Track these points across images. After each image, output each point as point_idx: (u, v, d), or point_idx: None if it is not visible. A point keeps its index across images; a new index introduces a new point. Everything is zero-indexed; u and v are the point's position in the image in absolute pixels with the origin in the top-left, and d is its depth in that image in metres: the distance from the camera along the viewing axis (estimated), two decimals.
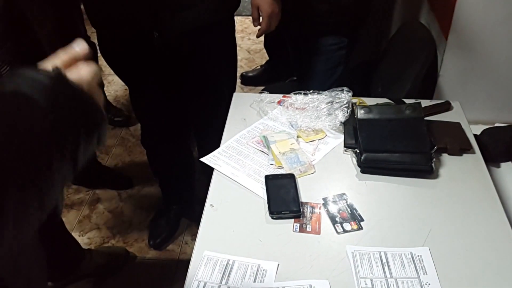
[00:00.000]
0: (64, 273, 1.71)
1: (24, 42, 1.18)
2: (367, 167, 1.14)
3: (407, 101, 1.35)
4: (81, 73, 0.52)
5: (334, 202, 1.07)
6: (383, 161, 1.13)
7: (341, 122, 1.26)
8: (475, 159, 1.19)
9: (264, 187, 1.09)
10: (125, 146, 2.54)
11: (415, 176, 1.13)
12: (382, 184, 1.11)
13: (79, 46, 0.54)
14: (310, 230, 1.00)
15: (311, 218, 1.03)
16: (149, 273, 1.89)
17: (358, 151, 1.16)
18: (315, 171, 1.15)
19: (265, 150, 1.20)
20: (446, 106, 1.37)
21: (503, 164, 1.42)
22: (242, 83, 2.86)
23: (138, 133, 2.58)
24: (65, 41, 0.56)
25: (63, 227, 1.66)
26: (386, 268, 0.92)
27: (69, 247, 1.71)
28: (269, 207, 1.03)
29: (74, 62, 0.53)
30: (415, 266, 0.92)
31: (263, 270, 0.91)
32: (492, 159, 1.40)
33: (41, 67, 0.50)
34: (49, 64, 0.51)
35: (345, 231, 1.00)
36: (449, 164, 1.17)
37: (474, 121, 1.52)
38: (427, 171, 1.13)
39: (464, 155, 1.20)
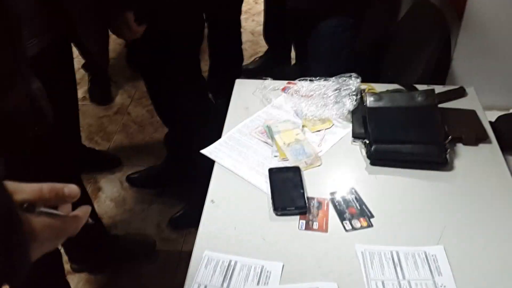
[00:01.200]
0: (86, 256, 1.70)
1: (54, 18, 1.14)
2: (377, 159, 1.08)
3: (419, 87, 1.28)
4: (79, 215, 0.56)
5: (342, 197, 1.01)
6: (394, 153, 1.07)
7: (349, 110, 1.19)
8: (491, 149, 1.13)
9: (268, 181, 1.03)
10: (127, 133, 2.49)
11: (429, 168, 1.07)
12: (393, 178, 1.05)
13: (69, 190, 0.54)
14: (316, 227, 0.95)
15: (317, 215, 0.97)
16: (152, 263, 1.85)
17: (367, 141, 1.10)
18: (321, 164, 1.09)
19: (269, 141, 1.14)
20: (460, 92, 1.30)
21: None
22: (243, 76, 2.75)
23: (140, 119, 2.54)
24: (96, 20, 0.52)
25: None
26: (398, 268, 0.87)
27: (92, 230, 1.68)
28: (273, 203, 0.98)
29: (56, 199, 0.53)
30: (429, 267, 0.87)
31: (267, 271, 0.86)
32: (508, 148, 1.33)
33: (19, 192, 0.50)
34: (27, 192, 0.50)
35: (354, 228, 0.94)
36: (465, 155, 1.11)
37: (489, 107, 1.44)
38: (441, 163, 1.06)
39: (480, 145, 1.14)
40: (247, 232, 0.94)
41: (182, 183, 2.06)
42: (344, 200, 1.00)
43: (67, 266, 1.73)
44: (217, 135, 1.17)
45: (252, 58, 2.80)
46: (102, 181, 2.22)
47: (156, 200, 2.08)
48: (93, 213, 1.67)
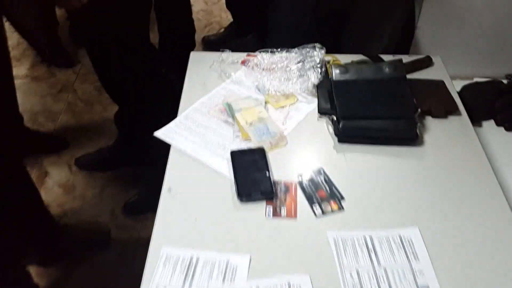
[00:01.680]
0: (34, 248, 1.57)
1: None
2: (345, 136, 1.01)
3: (385, 57, 1.21)
4: None
5: (311, 179, 0.93)
6: (363, 129, 1.00)
7: (314, 84, 1.11)
8: (461, 121, 1.08)
9: (230, 165, 0.94)
10: (73, 112, 2.31)
11: (399, 144, 1.01)
12: (362, 155, 0.99)
13: None
14: (285, 214, 0.87)
15: (285, 200, 0.89)
16: (108, 253, 1.74)
17: (334, 118, 1.02)
18: (287, 143, 1.01)
19: (230, 120, 1.04)
20: (427, 62, 1.24)
21: (485, 123, 1.32)
22: (204, 48, 2.60)
23: (87, 97, 2.36)
24: None
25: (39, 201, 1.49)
26: (372, 255, 0.81)
27: (43, 222, 1.54)
28: (237, 189, 0.89)
29: None
30: (405, 251, 0.82)
31: (233, 266, 0.78)
32: (474, 119, 1.30)
33: None
34: None
35: (324, 213, 0.87)
36: (434, 128, 1.06)
37: (452, 77, 1.40)
38: (412, 138, 1.01)
39: (450, 117, 1.09)
40: (210, 223, 0.85)
41: (135, 165, 1.94)
42: (313, 182, 0.93)
43: None
44: (173, 114, 1.06)
45: (206, 29, 2.65)
46: (48, 165, 2.05)
47: (109, 185, 1.95)
48: (39, 202, 1.53)
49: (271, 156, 0.97)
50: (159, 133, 1.01)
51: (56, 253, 1.66)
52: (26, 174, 1.43)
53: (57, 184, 1.98)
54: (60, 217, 1.86)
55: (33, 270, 1.64)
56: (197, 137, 1.00)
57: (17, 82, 2.43)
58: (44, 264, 1.66)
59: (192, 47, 2.15)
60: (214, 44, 2.50)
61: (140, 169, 1.93)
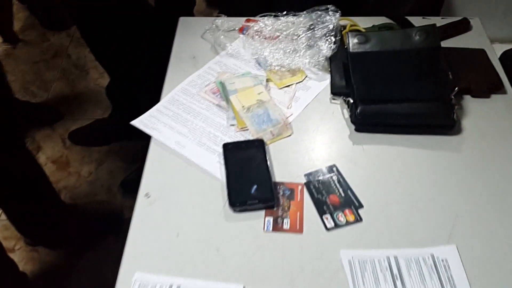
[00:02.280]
0: (47, 229, 1.47)
1: None
2: (364, 123, 0.82)
3: (414, 20, 1.00)
4: None
5: (321, 179, 0.76)
6: (387, 115, 0.81)
7: (326, 57, 0.91)
8: (508, 101, 0.88)
9: (223, 163, 0.77)
10: (67, 80, 2.14)
11: (432, 133, 0.82)
12: (386, 149, 0.80)
13: None
14: (288, 227, 0.70)
15: (289, 208, 0.72)
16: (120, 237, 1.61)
17: (351, 100, 0.83)
18: (292, 133, 0.83)
19: (223, 103, 0.86)
20: (463, 26, 1.02)
21: None
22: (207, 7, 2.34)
23: (82, 62, 2.19)
24: None
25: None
26: (398, 282, 0.64)
27: (50, 201, 1.43)
28: (229, 196, 0.72)
29: None
30: (439, 277, 0.65)
31: None
32: None
33: None
34: None
35: (337, 225, 0.70)
36: (475, 111, 0.86)
37: (492, 40, 1.18)
38: (448, 125, 0.81)
39: (493, 96, 0.89)
40: (195, 239, 0.69)
41: (132, 139, 1.78)
42: (323, 184, 0.75)
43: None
44: None
45: None
46: (40, 139, 1.91)
47: (105, 160, 1.81)
48: (44, 179, 1.40)
49: (272, 150, 0.80)
50: (137, 122, 0.84)
51: (65, 234, 1.54)
52: (24, 147, 1.32)
53: (50, 160, 1.84)
54: None
55: (32, 254, 1.54)
56: (184, 127, 0.83)
57: (6, 47, 2.27)
58: (52, 245, 1.55)
59: (191, 7, 1.91)
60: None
61: (138, 144, 1.77)
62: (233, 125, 0.83)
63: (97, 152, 1.84)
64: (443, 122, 0.81)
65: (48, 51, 2.25)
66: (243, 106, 0.84)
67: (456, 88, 0.82)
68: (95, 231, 1.57)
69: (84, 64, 2.17)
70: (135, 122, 0.84)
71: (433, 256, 0.67)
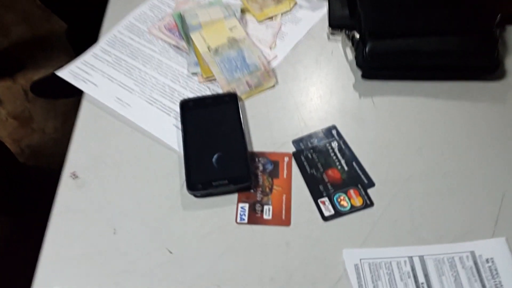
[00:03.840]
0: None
1: None
2: (375, 67, 0.60)
3: None
4: None
5: (315, 148, 0.55)
6: (405, 54, 0.59)
7: None
8: None
9: (180, 129, 0.56)
10: (30, 23, 1.88)
11: (466, 78, 0.60)
12: (404, 101, 0.59)
13: None
14: (269, 217, 0.50)
15: (271, 190, 0.52)
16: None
17: (357, 35, 0.61)
18: (276, 83, 0.61)
19: (182, 44, 0.64)
20: None
21: None
22: None
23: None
24: None
25: None
26: None
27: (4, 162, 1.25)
28: (187, 176, 0.52)
29: None
30: (483, 284, 0.46)
31: None
32: None
33: None
34: None
35: (338, 213, 0.50)
36: None
37: None
38: (488, 67, 0.59)
39: None
40: (139, 237, 0.49)
41: None
42: (319, 154, 0.54)
43: None
44: None
45: None
46: (0, 92, 1.70)
47: (73, 114, 1.58)
48: None
49: (249, 107, 0.58)
50: (64, 73, 0.62)
51: (25, 200, 1.37)
52: None
53: (11, 116, 1.63)
54: (17, 155, 1.53)
55: None
56: (128, 78, 0.61)
57: None
58: (11, 214, 1.38)
59: None
60: None
61: None
62: (195, 73, 0.61)
63: (63, 105, 1.62)
64: (482, 63, 0.59)
65: None
66: (209, 47, 0.61)
67: (499, 15, 0.59)
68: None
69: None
70: (62, 72, 0.61)
71: (473, 255, 0.48)
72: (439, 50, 0.58)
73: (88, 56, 0.63)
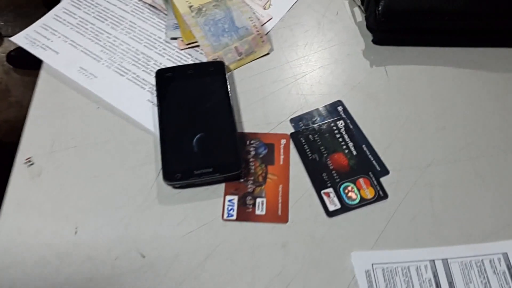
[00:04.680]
0: None
1: None
2: (389, 30, 0.51)
3: None
4: None
5: (317, 128, 0.46)
6: (427, 13, 0.49)
7: None
8: None
9: (156, 105, 0.47)
10: None
11: (499, 44, 0.51)
12: (423, 72, 0.50)
13: None
14: (263, 212, 0.42)
15: (265, 180, 0.43)
16: None
17: None
18: (271, 50, 0.51)
19: (159, 2, 0.54)
20: None
21: None
22: None
23: None
24: None
25: None
26: None
27: None
28: (164, 163, 0.43)
29: None
30: None
31: None
32: None
33: None
34: None
35: (346, 207, 0.42)
36: None
37: None
38: None
39: None
40: (106, 238, 0.41)
41: None
42: (322, 135, 0.46)
43: None
44: None
45: None
46: None
47: None
48: None
49: (238, 79, 0.49)
50: (19, 38, 0.52)
51: None
52: None
53: None
54: None
55: None
56: (95, 43, 0.51)
57: None
58: None
59: None
60: None
61: None
62: (174, 38, 0.51)
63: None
64: None
65: None
66: (191, 7, 0.51)
67: None
68: None
69: None
70: (17, 38, 0.52)
71: (506, 257, 0.40)
72: (467, 11, 0.49)
73: (48, 18, 0.53)
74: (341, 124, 0.46)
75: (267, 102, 0.47)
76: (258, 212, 0.42)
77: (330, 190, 0.43)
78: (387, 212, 0.42)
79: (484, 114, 0.47)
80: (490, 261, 0.40)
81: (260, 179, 0.43)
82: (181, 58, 0.50)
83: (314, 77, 0.49)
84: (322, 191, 0.43)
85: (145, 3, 0.54)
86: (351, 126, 0.46)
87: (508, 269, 0.39)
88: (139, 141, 0.45)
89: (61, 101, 0.48)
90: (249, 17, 0.51)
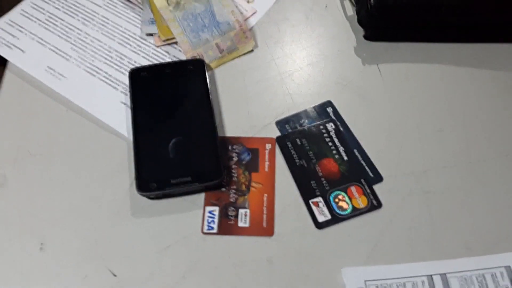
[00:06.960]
0: None
1: None
2: (382, 25, 0.47)
3: None
4: None
5: (305, 131, 0.43)
6: (423, 7, 0.46)
7: None
8: None
9: (130, 108, 0.43)
10: None
11: (498, 40, 0.48)
12: (419, 70, 0.46)
13: None
14: (246, 224, 0.38)
15: (248, 188, 0.40)
16: None
17: None
18: (256, 47, 0.48)
19: None
20: None
21: None
22: None
23: None
24: None
25: None
26: None
27: None
28: (137, 171, 0.39)
29: None
30: None
31: None
32: None
33: None
34: None
35: (336, 218, 0.39)
36: None
37: None
38: None
39: None
40: (74, 255, 0.37)
41: None
42: (310, 139, 0.42)
43: None
44: None
45: None
46: None
47: None
48: None
49: (220, 79, 0.45)
50: None
51: None
52: None
53: None
54: None
55: None
56: (65, 40, 0.47)
57: None
58: None
59: None
60: None
61: None
62: (150, 34, 0.48)
63: None
64: None
65: None
66: (168, 0, 0.47)
67: None
68: None
69: None
70: None
71: (509, 271, 0.37)
72: (464, 5, 0.45)
73: (14, 14, 0.49)
74: (331, 126, 0.43)
75: (251, 103, 0.44)
76: (241, 224, 0.38)
77: (319, 199, 0.39)
78: (381, 222, 0.38)
79: (485, 114, 0.44)
80: (492, 275, 0.37)
81: (243, 187, 0.40)
82: (158, 56, 0.46)
83: (302, 75, 0.46)
84: (310, 201, 0.39)
85: None
86: (341, 129, 0.43)
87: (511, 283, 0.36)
88: (111, 147, 0.42)
89: (27, 104, 0.44)
90: (232, 11, 0.47)
